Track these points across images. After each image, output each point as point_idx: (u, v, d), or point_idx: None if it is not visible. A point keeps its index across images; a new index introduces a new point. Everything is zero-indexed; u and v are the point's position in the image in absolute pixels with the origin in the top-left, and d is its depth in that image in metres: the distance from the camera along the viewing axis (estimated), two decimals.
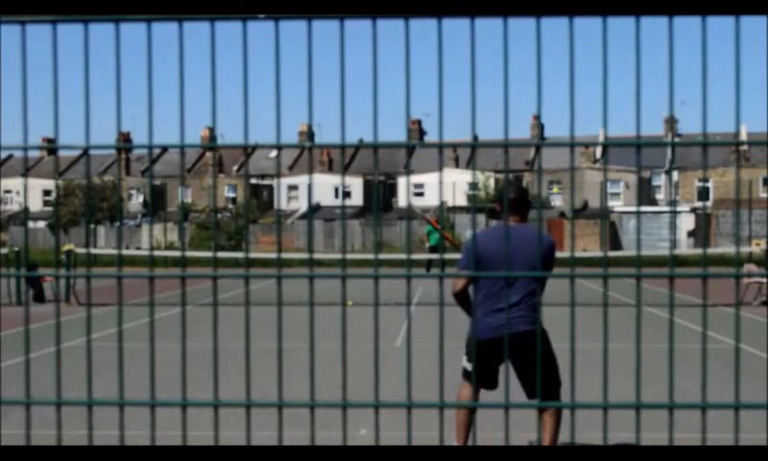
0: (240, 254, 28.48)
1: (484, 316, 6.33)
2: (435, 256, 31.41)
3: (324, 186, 62.85)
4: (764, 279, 20.90)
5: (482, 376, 6.28)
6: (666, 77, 2.71)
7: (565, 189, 62.24)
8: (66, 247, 23.28)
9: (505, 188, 3.97)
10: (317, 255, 37.88)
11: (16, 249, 24.77)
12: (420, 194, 62.98)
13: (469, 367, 6.59)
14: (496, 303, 6.30)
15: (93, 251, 26.68)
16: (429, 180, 62.69)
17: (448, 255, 28.49)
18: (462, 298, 6.48)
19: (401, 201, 64.20)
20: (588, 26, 3.10)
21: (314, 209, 62.02)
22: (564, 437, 6.50)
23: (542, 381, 5.53)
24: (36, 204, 69.13)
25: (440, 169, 2.60)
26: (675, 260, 3.81)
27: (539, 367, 3.72)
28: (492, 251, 6.32)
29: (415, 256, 34.29)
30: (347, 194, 62.53)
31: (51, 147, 2.91)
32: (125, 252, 35.26)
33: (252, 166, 67.98)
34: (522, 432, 4.14)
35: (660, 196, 63.63)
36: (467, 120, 2.69)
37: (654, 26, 2.88)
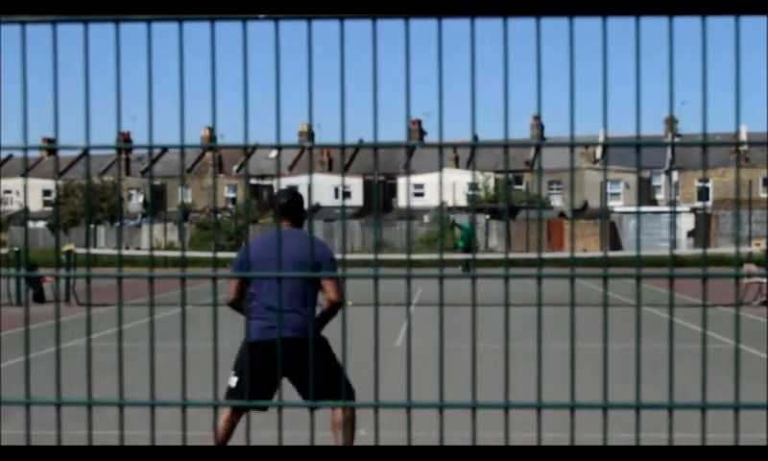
0: None
1: (253, 319, 6.04)
2: (468, 256, 31.11)
3: (324, 186, 62.86)
4: (764, 279, 20.90)
5: (254, 386, 5.57)
6: (666, 77, 2.71)
7: (565, 189, 62.25)
8: (66, 247, 23.29)
9: (278, 194, 3.53)
10: None
11: (16, 249, 24.78)
12: (421, 194, 62.98)
13: (233, 382, 5.87)
14: (265, 306, 6.06)
15: (93, 251, 26.70)
16: (429, 180, 62.70)
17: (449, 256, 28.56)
18: (236, 307, 6.31)
19: (401, 201, 64.21)
20: (588, 26, 3.10)
21: (314, 209, 62.02)
22: (564, 437, 6.50)
23: (326, 388, 4.70)
24: (36, 204, 69.13)
25: (440, 169, 2.60)
26: (675, 260, 3.81)
27: (312, 374, 2.98)
28: (260, 257, 6.19)
29: (415, 257, 34.29)
30: (346, 194, 62.52)
31: (51, 147, 2.91)
32: (125, 252, 35.27)
33: (252, 166, 67.99)
34: (522, 432, 4.14)
35: (660, 196, 63.64)
36: (467, 120, 2.69)
37: (654, 26, 2.88)
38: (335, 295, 5.86)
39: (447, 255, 32.66)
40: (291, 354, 5.64)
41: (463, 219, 45.16)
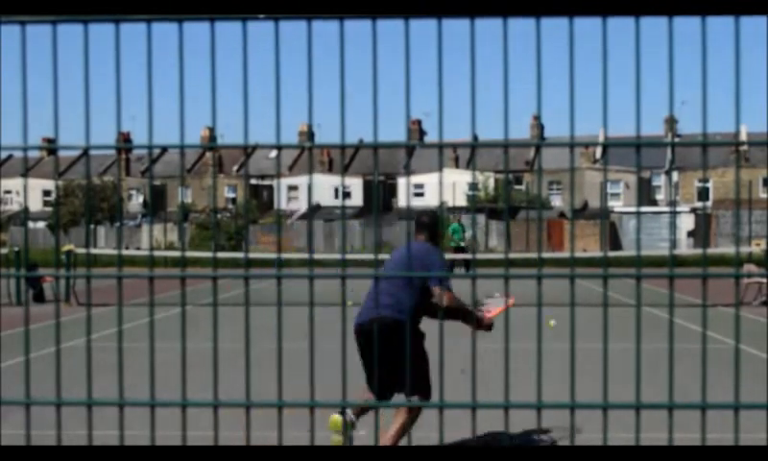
0: (240, 255, 28.47)
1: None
2: (468, 256, 31.22)
3: (324, 186, 62.85)
4: (764, 279, 20.90)
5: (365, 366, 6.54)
6: (666, 77, 2.71)
7: (565, 189, 62.25)
8: (66, 247, 23.28)
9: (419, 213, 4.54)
10: (317, 256, 37.88)
11: (16, 249, 24.76)
12: (421, 194, 62.96)
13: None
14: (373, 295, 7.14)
15: (93, 251, 26.70)
16: (429, 180, 62.68)
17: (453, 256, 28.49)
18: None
19: (401, 201, 64.20)
20: (588, 26, 3.10)
21: (314, 209, 62.01)
22: (563, 437, 6.50)
23: (401, 377, 5.61)
24: (36, 204, 69.11)
25: (440, 169, 2.60)
26: (675, 260, 3.81)
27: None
28: (390, 258, 7.75)
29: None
30: (347, 194, 62.52)
31: (51, 147, 2.91)
32: (125, 252, 35.27)
33: (252, 166, 67.98)
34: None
35: (660, 196, 63.62)
36: (467, 120, 2.69)
37: (654, 26, 2.88)
38: (440, 300, 6.76)
39: (448, 256, 32.64)
40: (387, 332, 6.45)
41: (463, 220, 45.16)
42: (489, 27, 2.89)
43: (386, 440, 6.09)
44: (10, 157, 67.54)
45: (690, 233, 52.96)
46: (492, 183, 61.35)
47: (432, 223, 7.62)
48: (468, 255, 31.82)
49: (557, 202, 62.09)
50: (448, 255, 32.87)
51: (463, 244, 35.34)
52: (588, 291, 22.31)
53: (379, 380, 5.89)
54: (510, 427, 2.85)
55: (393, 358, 5.96)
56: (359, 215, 59.88)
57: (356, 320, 6.92)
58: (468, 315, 7.00)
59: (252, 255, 31.48)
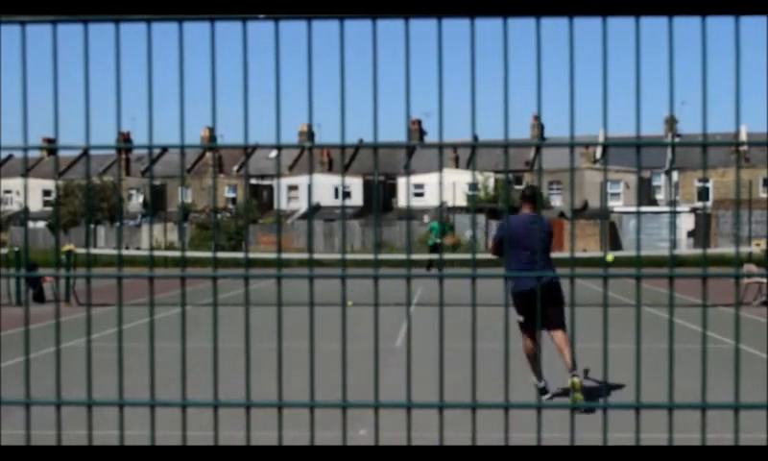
0: (240, 255, 28.45)
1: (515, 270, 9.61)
2: (435, 256, 31.47)
3: (324, 186, 62.85)
4: (764, 279, 20.89)
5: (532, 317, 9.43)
6: (666, 77, 2.71)
7: (565, 189, 62.24)
8: (66, 247, 23.27)
9: (525, 187, 6.91)
10: (317, 256, 37.87)
11: (16, 249, 24.76)
12: (420, 194, 62.96)
13: (522, 319, 9.63)
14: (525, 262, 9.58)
15: (93, 251, 26.68)
16: (429, 180, 62.69)
17: (448, 256, 28.47)
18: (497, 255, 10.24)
19: (401, 201, 64.19)
20: (588, 26, 3.10)
21: (314, 209, 62.00)
22: (564, 437, 6.50)
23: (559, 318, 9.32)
24: (36, 204, 69.13)
25: (440, 169, 2.60)
26: (675, 260, 3.81)
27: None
28: (522, 228, 9.68)
29: (415, 257, 34.27)
30: (347, 194, 62.50)
31: (51, 147, 2.91)
32: (125, 252, 35.26)
33: (252, 166, 67.98)
34: (522, 432, 4.13)
35: (660, 196, 63.62)
36: (467, 120, 2.69)
37: (654, 26, 2.88)
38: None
39: (447, 256, 32.67)
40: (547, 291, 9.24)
41: (463, 220, 45.15)
42: (489, 27, 2.90)
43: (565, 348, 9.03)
44: (10, 157, 67.54)
45: (690, 233, 52.96)
46: (491, 183, 61.34)
47: (535, 195, 10.06)
48: (434, 256, 32.12)
49: (557, 202, 62.08)
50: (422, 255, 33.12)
51: (438, 241, 35.38)
52: (587, 291, 22.31)
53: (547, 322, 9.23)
54: (510, 427, 2.85)
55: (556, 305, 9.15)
56: (359, 215, 59.87)
57: (518, 287, 9.36)
58: None
59: (251, 255, 31.46)
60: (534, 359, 9.40)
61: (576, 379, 8.18)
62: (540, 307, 8.86)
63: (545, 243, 9.83)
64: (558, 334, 9.16)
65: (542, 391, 9.02)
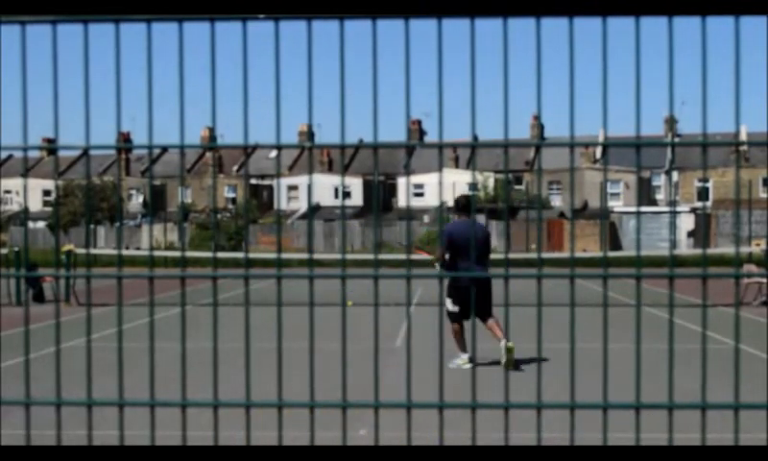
0: (240, 255, 28.46)
1: (461, 270, 11.21)
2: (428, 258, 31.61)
3: (324, 186, 62.85)
4: (764, 279, 20.89)
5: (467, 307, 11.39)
6: (666, 77, 2.71)
7: (565, 189, 62.24)
8: (66, 247, 23.26)
9: (458, 198, 10.45)
10: (317, 256, 37.87)
11: (16, 249, 24.75)
12: (420, 194, 62.96)
13: (455, 308, 11.49)
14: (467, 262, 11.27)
15: (93, 251, 26.67)
16: (429, 180, 62.69)
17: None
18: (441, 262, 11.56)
19: (401, 201, 64.19)
20: (588, 26, 3.10)
21: (314, 209, 62.00)
22: (564, 437, 6.50)
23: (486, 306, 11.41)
24: (36, 204, 69.13)
25: (440, 169, 2.60)
26: (675, 260, 3.81)
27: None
28: (462, 235, 11.43)
29: (415, 257, 34.25)
30: (347, 194, 62.50)
31: (51, 147, 2.91)
32: (125, 252, 35.25)
33: (252, 166, 67.99)
34: (522, 432, 4.13)
35: (660, 196, 63.62)
36: (467, 120, 2.69)
37: (654, 26, 2.88)
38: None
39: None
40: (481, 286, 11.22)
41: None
42: (489, 27, 2.90)
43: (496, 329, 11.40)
44: (10, 157, 67.53)
45: (690, 233, 52.95)
46: (491, 183, 61.34)
47: (468, 203, 11.68)
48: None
49: (557, 202, 62.07)
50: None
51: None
52: (587, 291, 22.31)
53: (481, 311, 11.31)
54: (510, 427, 2.85)
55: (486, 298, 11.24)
56: (359, 215, 59.86)
57: (458, 284, 11.26)
58: None
59: (251, 255, 31.45)
60: (460, 339, 11.64)
61: (509, 343, 10.06)
62: (475, 300, 10.99)
63: (483, 244, 11.65)
64: (489, 321, 11.45)
65: (471, 360, 10.81)
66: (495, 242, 53.00)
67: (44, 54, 4.46)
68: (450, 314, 11.56)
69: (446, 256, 11.48)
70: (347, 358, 2.86)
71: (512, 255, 31.58)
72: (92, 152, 2.85)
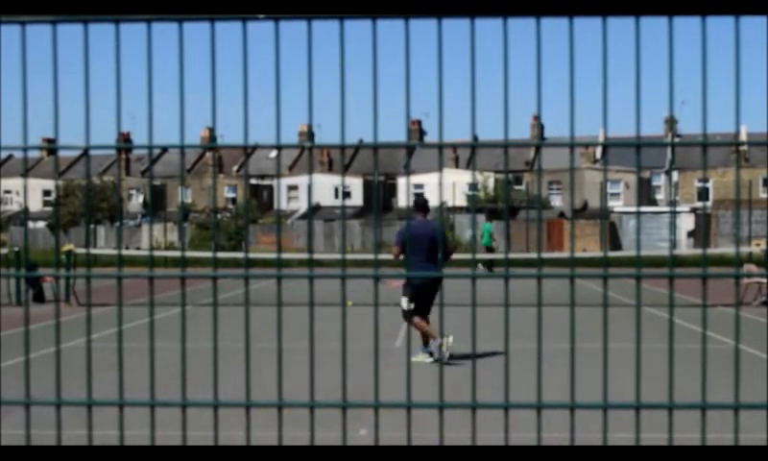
0: (240, 255, 28.46)
1: (415, 269, 11.68)
2: (493, 256, 31.54)
3: (324, 186, 62.85)
4: (764, 279, 20.89)
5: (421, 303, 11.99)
6: (666, 77, 2.71)
7: (565, 189, 62.24)
8: (66, 247, 23.25)
9: (417, 197, 11.45)
10: (317, 256, 37.88)
11: (16, 249, 24.74)
12: (420, 194, 62.95)
13: (411, 306, 11.83)
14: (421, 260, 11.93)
15: (93, 251, 26.66)
16: (429, 180, 62.66)
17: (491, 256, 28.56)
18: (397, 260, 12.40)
19: (401, 201, 64.19)
20: (588, 26, 3.10)
21: (314, 209, 62.00)
22: (564, 437, 6.50)
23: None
24: (36, 204, 69.12)
25: (440, 169, 2.60)
26: (675, 260, 3.81)
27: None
28: (415, 233, 11.97)
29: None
30: (347, 194, 62.49)
31: (51, 147, 2.91)
32: (125, 252, 35.25)
33: (252, 166, 67.99)
34: (522, 432, 4.13)
35: (660, 196, 63.61)
36: (467, 120, 2.69)
37: (654, 26, 2.88)
38: (449, 250, 13.15)
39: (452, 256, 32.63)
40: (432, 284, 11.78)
41: (463, 220, 45.16)
42: (489, 27, 2.90)
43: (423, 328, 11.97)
44: (10, 157, 67.52)
45: (690, 233, 52.95)
46: (491, 183, 61.33)
47: (425, 203, 12.26)
48: (493, 256, 32.21)
49: (557, 202, 62.06)
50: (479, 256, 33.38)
51: (494, 245, 35.84)
52: (588, 291, 22.31)
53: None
54: (510, 427, 2.85)
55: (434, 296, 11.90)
56: (359, 215, 59.85)
57: (415, 281, 11.59)
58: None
59: (251, 255, 31.43)
60: (425, 333, 12.08)
61: (447, 338, 10.96)
62: (428, 297, 11.85)
63: (433, 243, 12.00)
64: (418, 320, 11.95)
65: (431, 354, 11.87)
66: (496, 242, 53.04)
67: (44, 54, 4.46)
68: (405, 313, 11.83)
69: (401, 256, 12.10)
70: (347, 358, 2.86)
71: (512, 255, 31.59)
72: (92, 152, 2.85)
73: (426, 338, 12.15)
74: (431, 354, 12.00)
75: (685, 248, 48.28)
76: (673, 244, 3.22)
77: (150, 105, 2.76)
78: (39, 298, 22.44)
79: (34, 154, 72.37)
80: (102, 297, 18.47)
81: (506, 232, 3.78)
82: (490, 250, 35.13)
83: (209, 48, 2.72)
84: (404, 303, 11.83)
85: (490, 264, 31.94)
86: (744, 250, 26.60)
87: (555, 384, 5.22)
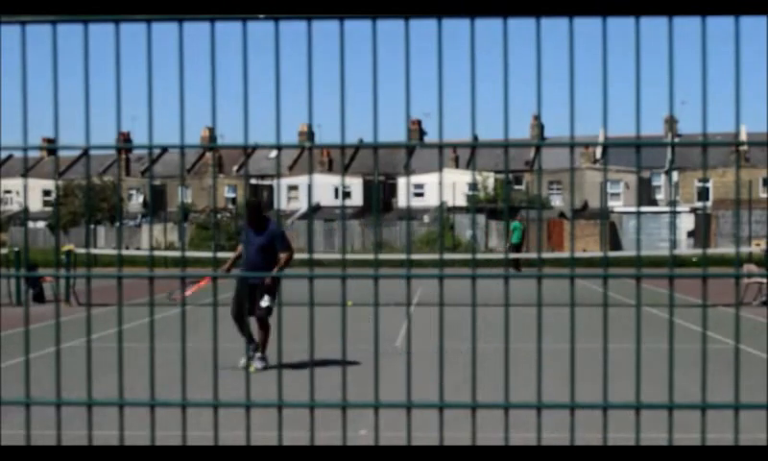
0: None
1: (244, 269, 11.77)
2: (522, 256, 31.30)
3: (324, 186, 62.83)
4: (764, 280, 20.89)
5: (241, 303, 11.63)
6: (666, 77, 2.71)
7: (565, 189, 62.25)
8: (66, 247, 23.25)
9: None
10: (317, 256, 37.87)
11: (16, 249, 24.74)
12: (420, 194, 62.95)
13: (270, 302, 11.50)
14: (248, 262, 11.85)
15: (93, 251, 26.66)
16: (429, 180, 62.67)
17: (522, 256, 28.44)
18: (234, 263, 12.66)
19: (401, 201, 64.20)
20: (588, 26, 3.10)
21: (314, 209, 62.01)
22: (564, 437, 6.50)
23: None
24: (36, 204, 69.12)
25: (440, 169, 2.60)
26: (675, 260, 3.81)
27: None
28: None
29: (415, 257, 34.26)
30: (347, 194, 62.49)
31: (51, 147, 2.91)
32: (125, 252, 35.25)
33: (252, 166, 67.99)
34: (522, 432, 4.13)
35: (660, 196, 63.61)
36: (467, 120, 2.69)
37: (654, 26, 2.88)
38: (286, 253, 11.70)
39: (448, 256, 32.61)
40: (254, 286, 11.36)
41: (463, 220, 45.17)
42: (489, 27, 2.90)
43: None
44: (10, 157, 67.53)
45: (690, 233, 52.94)
46: (491, 183, 61.32)
47: (255, 210, 12.16)
48: (520, 255, 31.83)
49: (557, 202, 62.07)
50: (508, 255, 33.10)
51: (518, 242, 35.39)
52: (588, 291, 22.31)
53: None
54: (510, 427, 2.85)
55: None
56: (359, 215, 59.85)
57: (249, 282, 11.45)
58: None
59: None
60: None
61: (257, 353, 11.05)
62: (256, 298, 11.83)
63: (268, 244, 12.12)
64: (258, 321, 11.84)
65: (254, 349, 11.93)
66: (495, 242, 53.05)
67: (44, 54, 4.46)
68: (268, 310, 11.92)
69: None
70: (347, 358, 2.86)
71: (512, 255, 31.56)
72: (92, 152, 2.85)
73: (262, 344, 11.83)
74: (263, 360, 11.44)
75: (685, 248, 48.29)
76: (673, 244, 3.22)
77: (150, 105, 2.76)
78: (39, 298, 22.43)
79: (34, 154, 72.39)
80: (102, 297, 18.46)
81: (506, 233, 3.78)
82: (518, 248, 34.58)
83: (209, 48, 2.72)
84: (266, 301, 11.72)
85: (516, 263, 31.50)
86: (744, 250, 26.60)
87: (555, 384, 5.23)
